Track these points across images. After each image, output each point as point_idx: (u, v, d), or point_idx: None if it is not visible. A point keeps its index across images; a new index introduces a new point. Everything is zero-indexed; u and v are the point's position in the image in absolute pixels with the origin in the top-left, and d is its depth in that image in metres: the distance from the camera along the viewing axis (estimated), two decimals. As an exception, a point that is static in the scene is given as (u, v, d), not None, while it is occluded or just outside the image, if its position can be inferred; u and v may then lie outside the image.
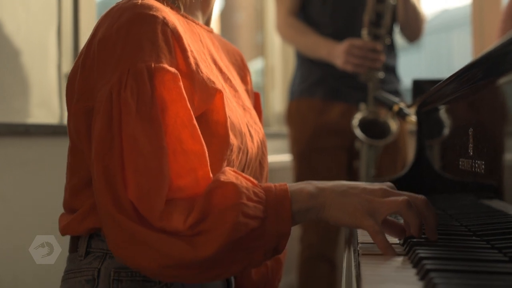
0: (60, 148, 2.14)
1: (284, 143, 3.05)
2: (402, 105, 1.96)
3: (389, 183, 1.05)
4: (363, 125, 2.30)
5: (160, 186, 0.98)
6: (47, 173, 2.08)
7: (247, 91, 1.37)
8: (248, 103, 1.30)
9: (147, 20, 1.06)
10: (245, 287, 1.28)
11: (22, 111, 2.07)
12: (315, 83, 2.51)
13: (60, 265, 1.24)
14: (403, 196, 0.99)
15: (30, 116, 2.09)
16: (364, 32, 2.31)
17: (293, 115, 2.58)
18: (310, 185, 1.04)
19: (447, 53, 4.17)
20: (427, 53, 3.86)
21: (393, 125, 2.30)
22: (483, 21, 3.03)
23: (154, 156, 0.99)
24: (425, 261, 0.80)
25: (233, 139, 1.13)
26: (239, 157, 1.16)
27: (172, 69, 1.04)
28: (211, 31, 1.28)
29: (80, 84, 1.10)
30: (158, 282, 1.11)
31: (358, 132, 2.28)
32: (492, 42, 2.97)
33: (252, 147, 1.21)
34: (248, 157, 1.20)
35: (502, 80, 1.06)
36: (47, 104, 2.16)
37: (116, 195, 0.98)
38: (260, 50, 3.54)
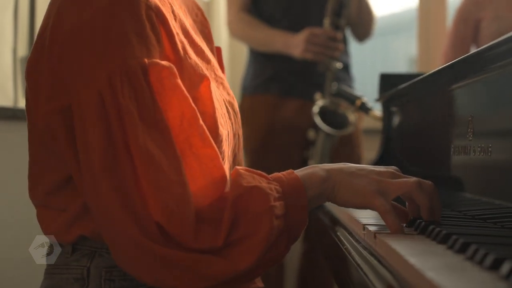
0: (17, 132, 2.08)
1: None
2: (364, 99, 2.00)
3: (394, 167, 1.06)
4: (321, 114, 2.30)
5: (187, 203, 0.92)
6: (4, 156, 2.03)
7: (212, 50, 1.22)
8: (219, 71, 1.18)
9: (129, 4, 0.95)
10: None
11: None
12: (269, 79, 2.49)
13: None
14: (413, 178, 1.01)
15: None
16: (326, 22, 2.34)
17: (246, 112, 2.56)
18: (318, 169, 1.03)
19: (385, 56, 4.26)
20: (365, 55, 3.93)
21: (352, 117, 2.31)
22: (428, 25, 3.11)
23: (173, 168, 0.92)
24: (455, 236, 0.82)
25: (221, 130, 1.06)
26: (228, 145, 1.10)
27: (167, 64, 0.96)
28: None
29: (50, 77, 0.98)
30: None
31: (317, 119, 2.28)
32: (437, 46, 3.06)
33: (232, 123, 1.15)
34: (230, 137, 1.14)
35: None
36: (1, 88, 2.10)
37: (140, 220, 0.90)
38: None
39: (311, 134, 2.35)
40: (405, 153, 1.69)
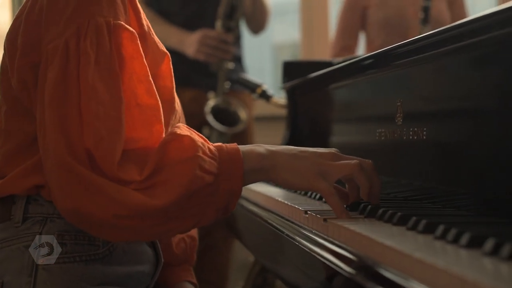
0: None
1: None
2: (265, 87, 2.04)
3: (335, 148, 1.08)
4: (214, 112, 2.38)
5: (118, 135, 0.99)
6: None
7: None
8: None
9: None
10: (169, 260, 1.26)
11: None
12: None
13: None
14: (354, 160, 1.04)
15: None
16: (218, 24, 2.41)
17: None
18: (260, 147, 1.06)
19: (249, 44, 4.32)
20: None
21: (243, 114, 2.43)
22: (311, 12, 3.18)
23: (113, 105, 0.99)
24: (415, 217, 0.85)
25: (176, 107, 1.15)
26: (176, 123, 1.15)
27: (130, 28, 1.05)
28: None
29: (24, 39, 1.07)
30: (101, 245, 1.09)
31: (210, 118, 2.34)
32: (320, 31, 3.14)
33: (180, 112, 1.23)
34: (178, 119, 1.20)
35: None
36: None
37: (71, 142, 0.97)
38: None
39: (205, 131, 2.40)
40: (315, 142, 1.72)
